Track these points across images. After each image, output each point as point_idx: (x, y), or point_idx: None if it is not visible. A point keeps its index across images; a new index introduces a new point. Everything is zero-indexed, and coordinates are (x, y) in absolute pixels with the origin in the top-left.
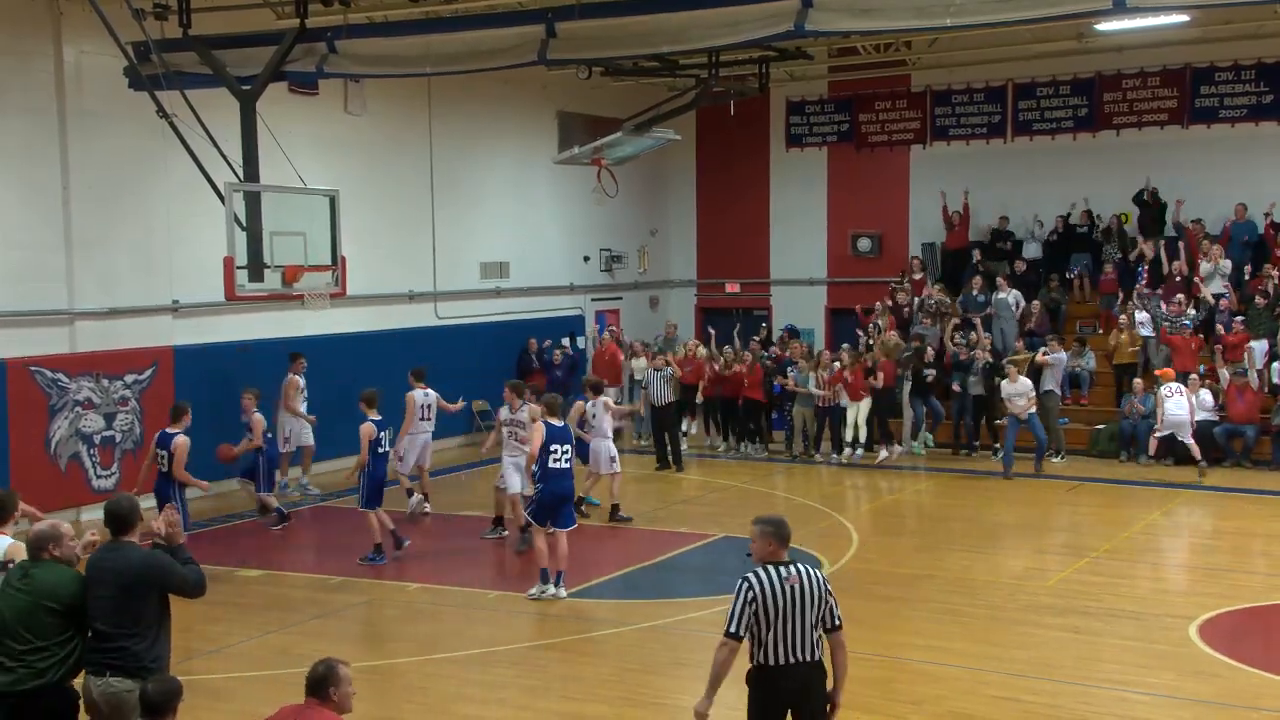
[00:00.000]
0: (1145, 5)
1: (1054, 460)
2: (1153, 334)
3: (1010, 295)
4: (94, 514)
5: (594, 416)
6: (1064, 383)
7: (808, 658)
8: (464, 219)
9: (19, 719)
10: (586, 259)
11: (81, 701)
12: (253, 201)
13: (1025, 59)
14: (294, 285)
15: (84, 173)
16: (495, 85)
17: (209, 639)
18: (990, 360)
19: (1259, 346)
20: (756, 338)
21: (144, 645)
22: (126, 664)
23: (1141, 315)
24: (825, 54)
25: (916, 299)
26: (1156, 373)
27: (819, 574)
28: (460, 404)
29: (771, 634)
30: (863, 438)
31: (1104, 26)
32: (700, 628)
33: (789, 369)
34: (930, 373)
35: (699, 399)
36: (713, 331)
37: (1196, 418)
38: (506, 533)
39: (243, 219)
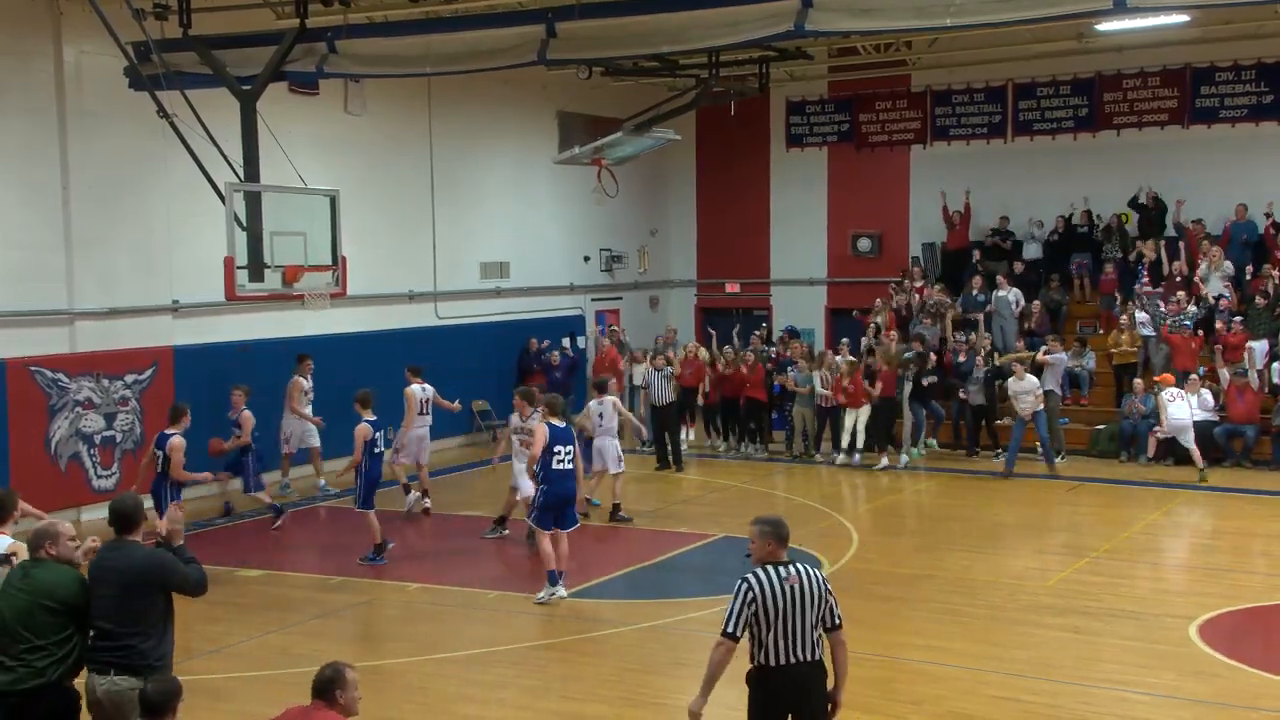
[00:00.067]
0: (1145, 5)
1: (1054, 460)
2: (1153, 333)
3: (1010, 294)
4: (94, 514)
5: (601, 416)
6: (1064, 383)
7: (808, 657)
8: (464, 219)
9: (19, 718)
10: (586, 259)
11: (86, 700)
12: (253, 201)
13: (1025, 59)
14: (294, 285)
15: (84, 173)
16: (495, 85)
17: (209, 639)
18: (991, 367)
19: (1259, 346)
20: (758, 333)
21: (149, 644)
22: (132, 662)
23: (1141, 315)
24: (825, 54)
25: (917, 297)
26: (1156, 379)
27: (818, 573)
28: (458, 405)
29: (772, 634)
30: (860, 444)
31: (1104, 26)
32: (700, 628)
33: (789, 369)
34: (931, 379)
35: (700, 402)
36: (713, 332)
37: (1196, 418)
38: (507, 532)
39: (243, 219)
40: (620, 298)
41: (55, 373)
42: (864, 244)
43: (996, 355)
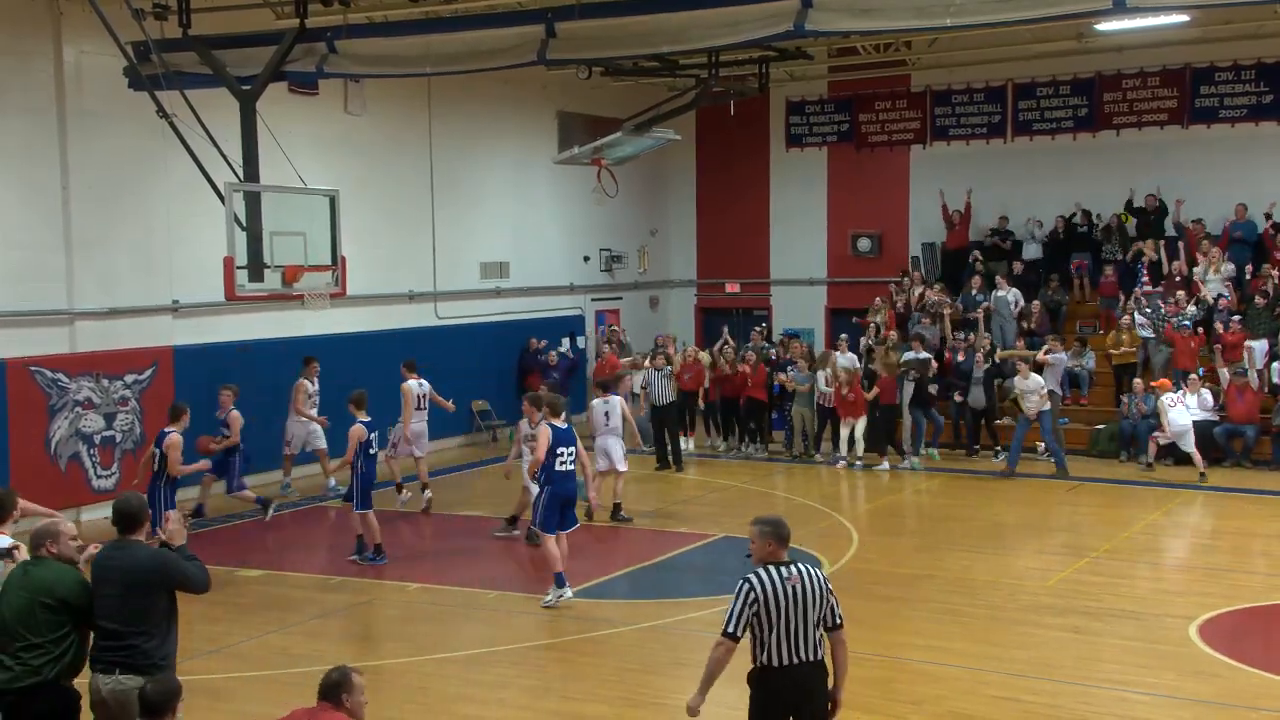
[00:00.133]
0: (1145, 5)
1: (1049, 460)
2: (1152, 336)
3: (1010, 294)
4: (94, 514)
5: (607, 415)
6: (1064, 383)
7: (810, 657)
8: (464, 219)
9: (18, 716)
10: (586, 259)
11: (89, 700)
12: (253, 201)
13: (1025, 59)
14: (294, 285)
15: (84, 173)
16: (495, 85)
17: (209, 639)
18: (991, 364)
19: (1259, 346)
20: (758, 329)
21: (154, 643)
22: (137, 662)
23: (1141, 318)
24: (825, 54)
25: (916, 296)
26: (1153, 384)
27: (819, 573)
28: (453, 405)
29: (774, 634)
30: (860, 451)
31: (1104, 26)
32: (700, 628)
33: (789, 368)
34: (934, 388)
35: (700, 405)
36: (725, 333)
37: (1196, 418)
38: (518, 532)
39: (243, 219)
40: (620, 298)
41: (55, 373)
42: (864, 244)
43: (997, 351)
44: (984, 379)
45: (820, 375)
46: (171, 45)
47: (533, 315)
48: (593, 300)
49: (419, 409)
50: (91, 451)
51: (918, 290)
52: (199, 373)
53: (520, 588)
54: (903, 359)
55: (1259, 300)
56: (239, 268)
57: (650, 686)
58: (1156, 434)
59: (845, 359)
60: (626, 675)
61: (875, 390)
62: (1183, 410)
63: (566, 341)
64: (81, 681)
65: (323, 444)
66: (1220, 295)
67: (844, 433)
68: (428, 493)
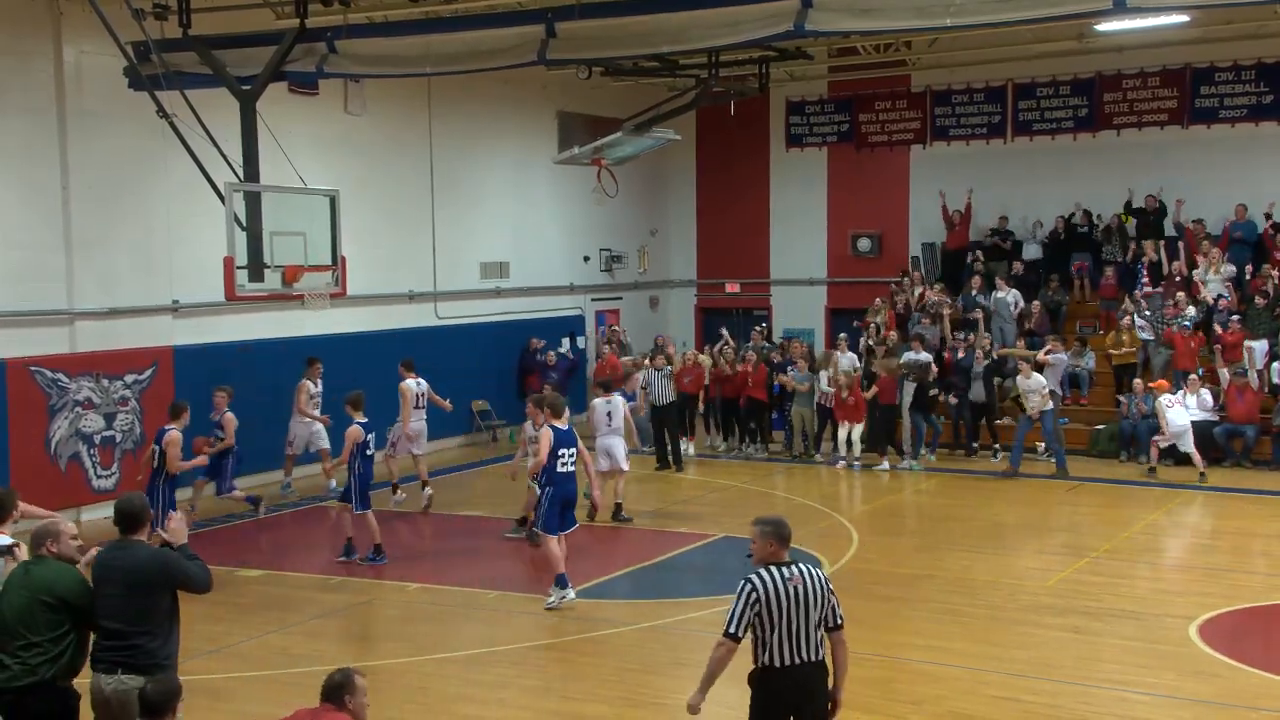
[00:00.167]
0: (1145, 5)
1: (1049, 460)
2: (1152, 339)
3: (1009, 295)
4: (93, 514)
5: (610, 415)
6: (1064, 383)
7: (811, 658)
8: (464, 219)
9: (15, 717)
10: (586, 259)
11: (90, 700)
12: (253, 201)
13: (1025, 59)
14: (294, 285)
15: (84, 173)
16: (495, 85)
17: (209, 639)
18: (991, 360)
19: (1259, 346)
20: (759, 329)
21: (157, 643)
22: (140, 661)
23: (1141, 321)
24: (825, 54)
25: (916, 296)
26: (1150, 385)
27: (820, 573)
28: (450, 404)
29: (776, 635)
30: (858, 452)
31: (1104, 26)
32: (700, 628)
33: (789, 368)
34: (935, 392)
35: (700, 405)
36: (725, 334)
37: (1196, 418)
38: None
39: (243, 219)
40: (620, 298)
41: (55, 373)
42: (864, 244)
43: (996, 349)
44: (984, 374)
45: (823, 375)
46: (171, 45)
47: (533, 315)
48: (593, 300)
49: (417, 408)
50: (91, 451)
51: (918, 290)
52: (199, 373)
53: (520, 588)
54: (902, 359)
55: (1259, 300)
56: (239, 268)
57: (650, 686)
58: (1157, 437)
59: (845, 359)
60: (626, 675)
61: (874, 389)
62: (1181, 410)
63: (566, 341)
64: (81, 682)
65: (325, 444)
66: (1220, 295)
67: (841, 435)
68: (428, 490)
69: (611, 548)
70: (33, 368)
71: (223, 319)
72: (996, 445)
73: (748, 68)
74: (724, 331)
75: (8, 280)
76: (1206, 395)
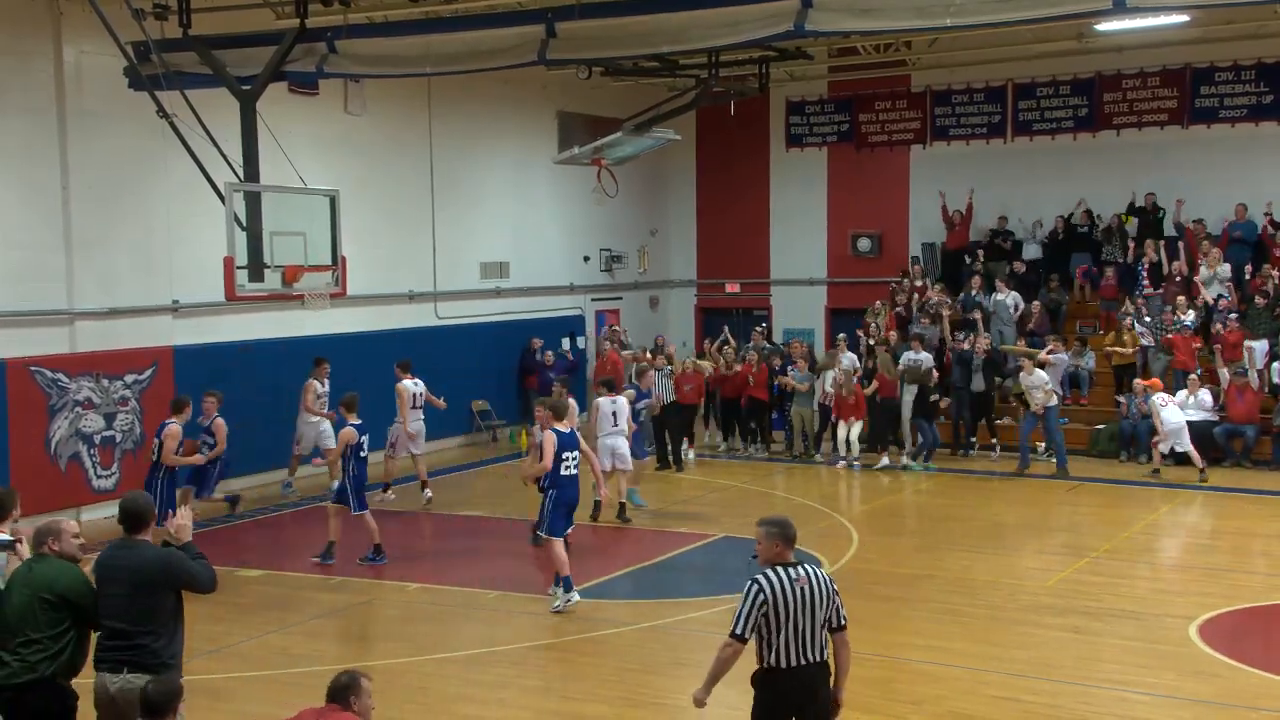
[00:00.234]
0: (1145, 5)
1: (1049, 460)
2: (1151, 344)
3: (1009, 297)
4: (93, 514)
5: (614, 415)
6: (1064, 382)
7: (816, 658)
8: (464, 219)
9: (14, 714)
10: (586, 259)
11: (93, 699)
12: (253, 201)
13: (1025, 59)
14: (294, 285)
15: (84, 173)
16: (495, 85)
17: (209, 639)
18: (991, 353)
19: (1259, 346)
20: (759, 329)
21: (162, 642)
22: (145, 661)
23: (1141, 328)
24: (825, 54)
25: (916, 296)
26: (1145, 384)
27: (825, 574)
28: (444, 403)
29: (782, 636)
30: (857, 452)
31: (1104, 26)
32: (700, 628)
33: (789, 368)
34: (935, 397)
35: (701, 406)
36: (725, 333)
37: (1196, 418)
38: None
39: (243, 219)
40: (620, 298)
41: (55, 373)
42: (864, 244)
43: (997, 346)
44: (983, 366)
45: (828, 375)
46: (171, 45)
47: (533, 315)
48: (593, 300)
49: (414, 408)
50: (91, 451)
51: (918, 282)
52: (199, 373)
53: (520, 588)
54: (901, 360)
55: (1259, 300)
56: (239, 268)
57: (650, 686)
58: (1155, 438)
59: (846, 358)
60: (626, 675)
61: (874, 385)
62: (1175, 409)
63: (566, 341)
64: (80, 683)
65: (332, 443)
66: (1220, 295)
67: (841, 434)
68: (427, 492)
69: (612, 548)
70: (33, 368)
71: (223, 319)
72: (995, 441)
73: (748, 68)
74: (725, 330)
75: (8, 280)
76: (1206, 395)
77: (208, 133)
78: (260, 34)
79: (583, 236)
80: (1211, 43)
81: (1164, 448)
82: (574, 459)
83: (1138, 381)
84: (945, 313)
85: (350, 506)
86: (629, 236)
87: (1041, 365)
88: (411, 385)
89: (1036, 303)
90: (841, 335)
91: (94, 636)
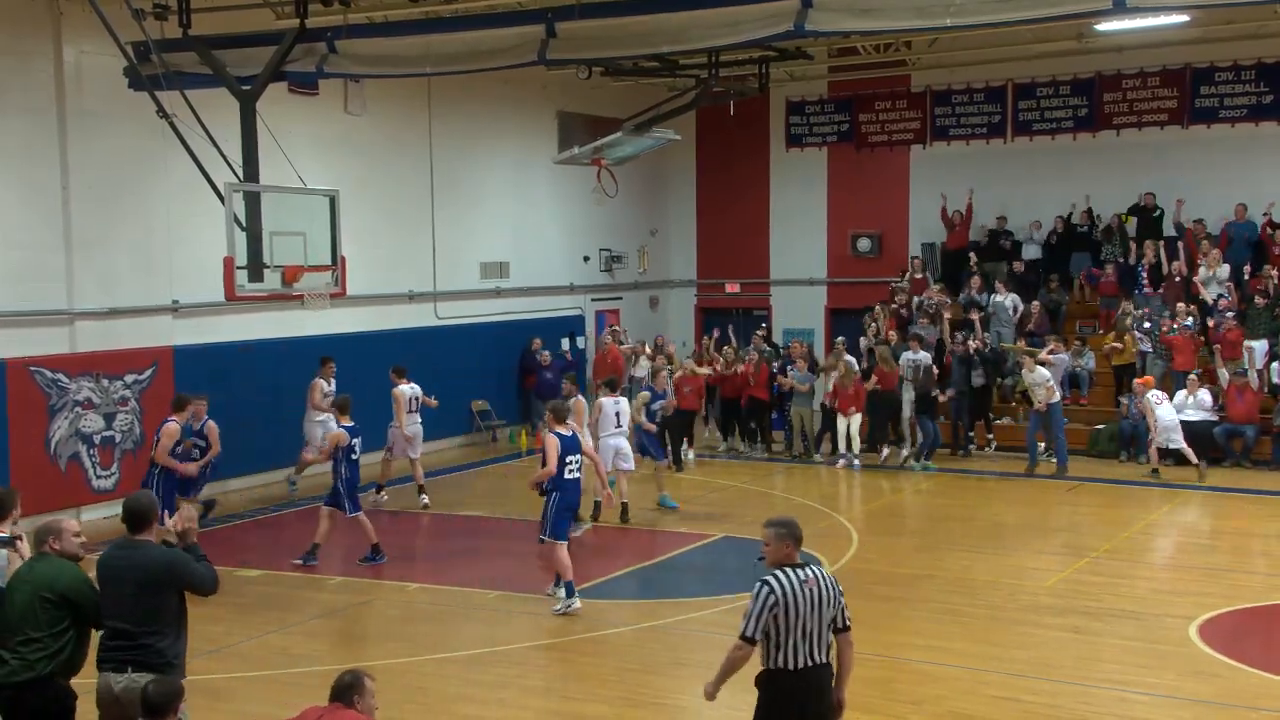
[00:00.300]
0: (1145, 5)
1: (1051, 459)
2: (1150, 350)
3: (1008, 299)
4: (93, 514)
5: (618, 415)
6: (1064, 383)
7: (822, 660)
8: (464, 219)
9: (13, 712)
10: (586, 259)
11: (96, 699)
12: (253, 201)
13: (1025, 59)
14: (294, 285)
15: (84, 173)
16: (495, 85)
17: (209, 639)
18: (986, 352)
19: (1259, 346)
20: (759, 332)
21: (166, 642)
22: (150, 660)
23: (1139, 333)
24: (825, 54)
25: (916, 299)
26: (1137, 381)
27: (831, 575)
28: (435, 401)
29: (791, 638)
30: (856, 448)
31: (1104, 26)
32: (700, 628)
33: (789, 368)
34: (935, 393)
35: (702, 409)
36: (713, 337)
37: (1196, 418)
38: (588, 525)
39: (243, 219)
40: (620, 298)
41: (55, 373)
42: (864, 244)
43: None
44: (983, 364)
45: (833, 375)
46: (171, 45)
47: (533, 315)
48: (593, 300)
49: (411, 412)
50: (91, 452)
51: (918, 275)
52: (199, 373)
53: (520, 588)
54: (901, 360)
55: (1259, 300)
56: (239, 268)
57: (650, 686)
58: (1151, 438)
59: (846, 360)
60: (626, 675)
61: (875, 380)
62: (1169, 407)
63: (566, 341)
64: (80, 683)
65: None
66: (1220, 295)
67: (841, 427)
68: (424, 497)
69: (612, 548)
70: (33, 368)
71: (223, 319)
72: (990, 437)
73: (748, 68)
74: (729, 330)
75: (8, 280)
76: (1206, 395)
77: (208, 133)
78: (260, 34)
79: (583, 236)
80: (1211, 43)
81: (1159, 442)
82: (577, 461)
83: (1137, 381)
84: (946, 314)
85: (344, 509)
86: (629, 236)
87: (1042, 364)
88: (408, 390)
89: (1036, 303)
90: (840, 339)
91: (96, 636)
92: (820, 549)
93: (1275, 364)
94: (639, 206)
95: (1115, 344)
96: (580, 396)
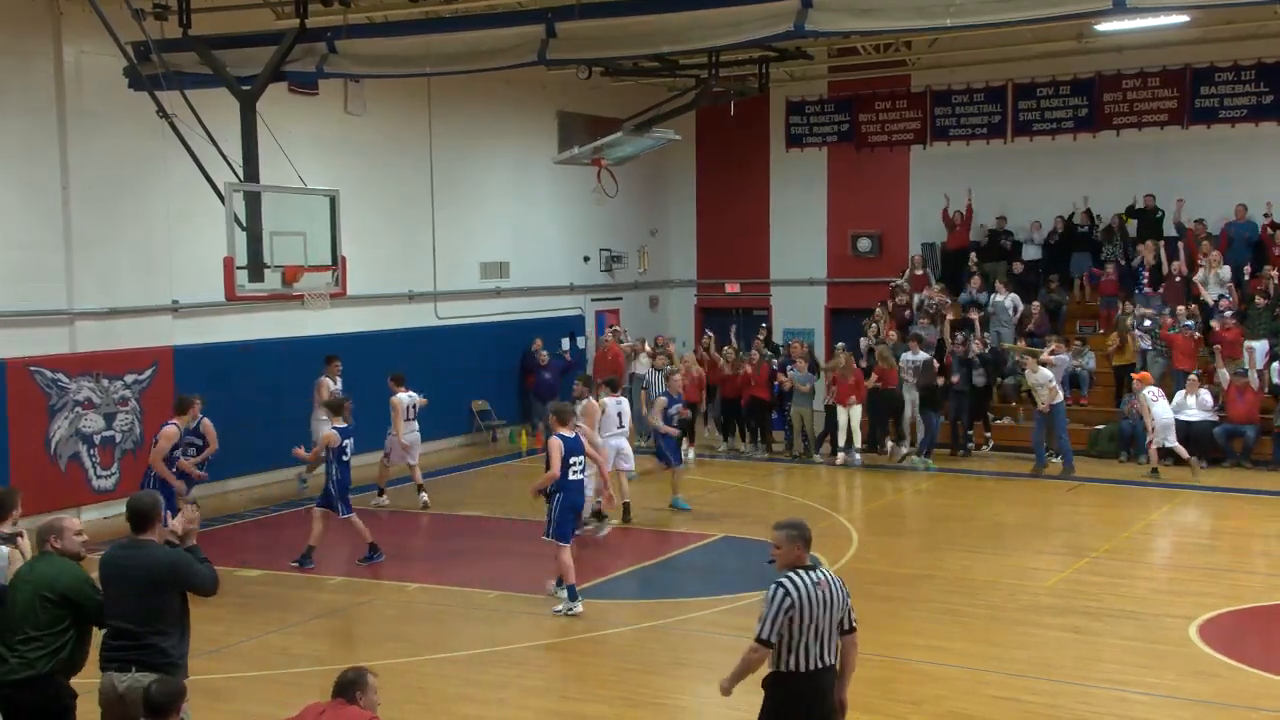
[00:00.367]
0: (1145, 5)
1: (1054, 460)
2: (1150, 348)
3: (1008, 299)
4: (94, 514)
5: (619, 415)
6: (1064, 383)
7: (831, 662)
8: (464, 219)
9: (12, 710)
10: (586, 259)
11: (99, 698)
12: (253, 201)
13: (1025, 59)
14: (294, 285)
15: (84, 173)
16: (495, 85)
17: (209, 639)
18: (989, 350)
19: (1259, 346)
20: (760, 335)
21: (170, 642)
22: (154, 660)
23: (1139, 331)
24: (825, 54)
25: (916, 297)
26: (1134, 376)
27: (838, 577)
28: (424, 400)
29: (803, 640)
30: (857, 442)
31: (1104, 27)
32: (700, 628)
33: (788, 368)
34: (940, 381)
35: (702, 406)
36: (712, 335)
37: (1195, 417)
38: (613, 522)
39: (243, 219)
40: (620, 298)
41: (55, 373)
42: (864, 244)
43: (997, 344)
44: (983, 363)
45: (833, 365)
46: (171, 45)
47: (533, 315)
48: (593, 300)
49: (409, 420)
50: (91, 452)
51: (919, 271)
52: (199, 373)
53: (520, 588)
54: (900, 361)
55: (1259, 300)
56: (239, 268)
57: (650, 686)
58: (1150, 438)
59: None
60: (626, 675)
61: (875, 379)
62: (1164, 404)
63: (566, 341)
64: (80, 682)
65: None
66: (1221, 296)
67: (841, 419)
68: (424, 495)
69: (612, 548)
70: (33, 368)
71: (223, 319)
72: (988, 436)
73: (748, 68)
74: (731, 332)
75: (8, 280)
76: (1206, 395)
77: (208, 133)
78: (260, 34)
79: (583, 236)
80: (1211, 43)
81: (1157, 441)
82: (580, 463)
83: (1134, 376)
84: (947, 314)
85: (337, 511)
86: (629, 236)
87: (1044, 364)
88: (406, 398)
89: (1036, 303)
90: (841, 344)
91: (97, 636)
92: (820, 549)
93: (1275, 364)
94: (639, 206)
95: (1113, 346)
96: (592, 399)
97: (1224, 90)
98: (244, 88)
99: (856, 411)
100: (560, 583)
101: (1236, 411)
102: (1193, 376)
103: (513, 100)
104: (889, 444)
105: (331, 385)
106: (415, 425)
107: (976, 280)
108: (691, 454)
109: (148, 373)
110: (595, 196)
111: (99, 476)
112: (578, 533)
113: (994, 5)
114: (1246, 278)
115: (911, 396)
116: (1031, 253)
